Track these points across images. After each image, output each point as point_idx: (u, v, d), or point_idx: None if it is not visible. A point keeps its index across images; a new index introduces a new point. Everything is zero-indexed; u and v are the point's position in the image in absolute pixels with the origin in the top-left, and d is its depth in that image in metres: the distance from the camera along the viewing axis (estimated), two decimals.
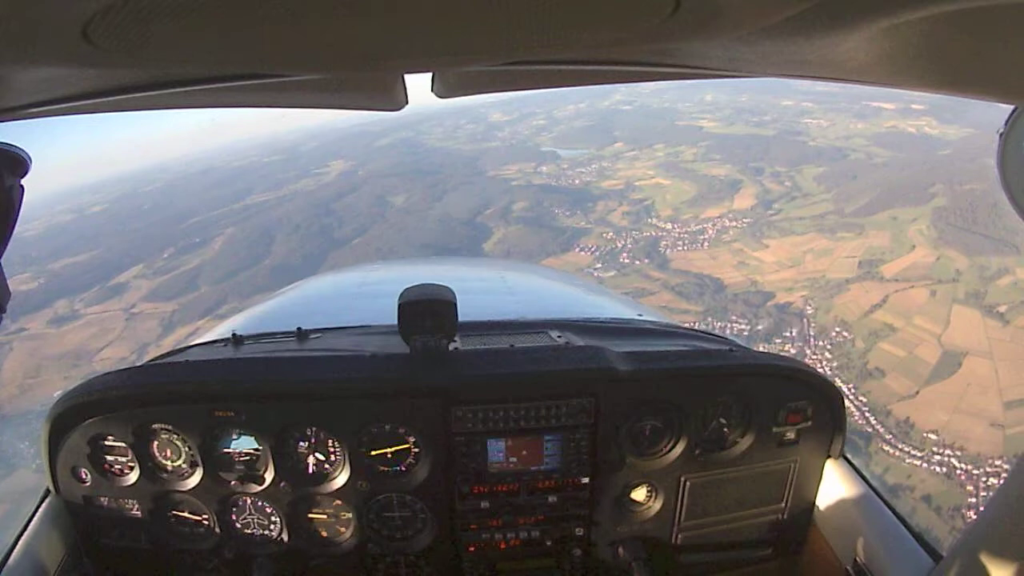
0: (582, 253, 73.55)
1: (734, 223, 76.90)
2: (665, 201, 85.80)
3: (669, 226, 78.15)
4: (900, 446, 39.25)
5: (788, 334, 52.66)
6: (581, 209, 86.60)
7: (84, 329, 64.75)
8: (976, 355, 45.53)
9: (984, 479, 36.05)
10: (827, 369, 45.54)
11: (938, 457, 38.07)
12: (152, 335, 63.32)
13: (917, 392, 43.57)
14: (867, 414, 41.93)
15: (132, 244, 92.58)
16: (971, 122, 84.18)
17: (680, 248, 72.73)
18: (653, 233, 76.89)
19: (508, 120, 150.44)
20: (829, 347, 50.06)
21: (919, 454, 38.53)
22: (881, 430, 40.62)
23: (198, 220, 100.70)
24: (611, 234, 77.97)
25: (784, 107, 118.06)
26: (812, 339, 51.50)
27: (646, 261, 69.95)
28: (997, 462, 36.53)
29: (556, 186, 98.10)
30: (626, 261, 70.76)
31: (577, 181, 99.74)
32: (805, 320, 54.18)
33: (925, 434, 39.51)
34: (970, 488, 35.70)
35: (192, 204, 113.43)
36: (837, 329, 51.63)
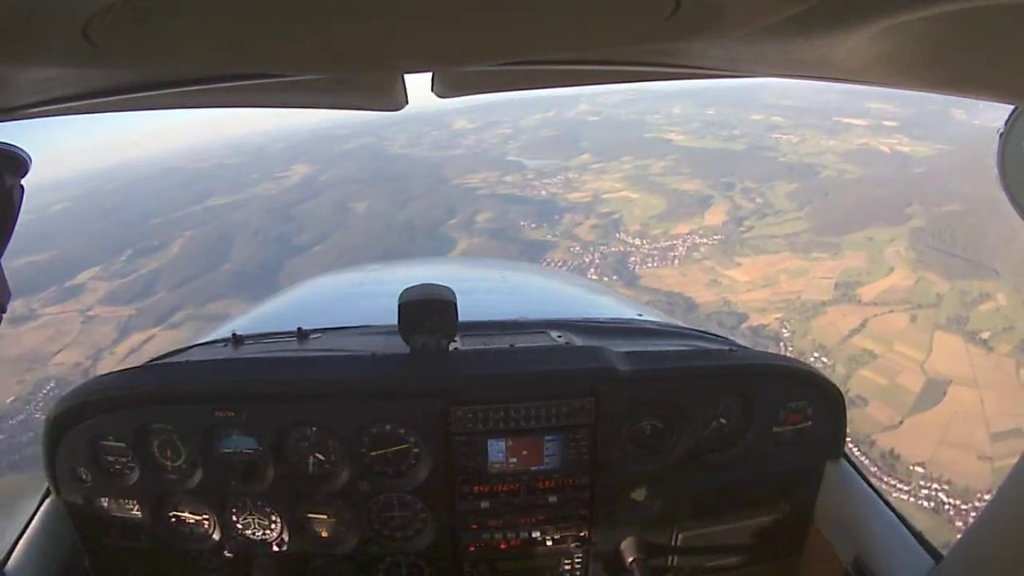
0: (548, 268, 70.45)
1: (705, 240, 75.75)
2: (633, 215, 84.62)
3: (638, 241, 76.83)
4: (886, 479, 38.07)
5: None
6: (547, 222, 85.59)
7: (40, 331, 63.69)
8: (960, 384, 44.58)
9: (973, 514, 34.10)
10: None
11: (925, 491, 37.05)
12: (107, 339, 62.74)
13: (901, 422, 42.58)
14: (850, 444, 38.74)
15: (91, 244, 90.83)
16: (945, 139, 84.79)
17: (650, 264, 71.56)
18: (622, 248, 75.68)
19: (473, 128, 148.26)
20: None
21: (906, 488, 37.45)
22: (867, 462, 39.43)
23: (158, 222, 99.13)
24: (578, 248, 76.68)
25: (753, 121, 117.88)
26: None
27: (615, 278, 68.18)
28: (986, 496, 34.43)
29: (522, 196, 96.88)
30: (594, 277, 68.38)
31: (543, 192, 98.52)
32: (782, 344, 52.88)
33: (911, 467, 38.57)
34: (959, 524, 34.35)
35: (153, 205, 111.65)
36: (816, 354, 50.47)
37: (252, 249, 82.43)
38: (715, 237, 75.98)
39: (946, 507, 35.82)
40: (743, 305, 60.09)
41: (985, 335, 48.23)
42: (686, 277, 67.68)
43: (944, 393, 44.05)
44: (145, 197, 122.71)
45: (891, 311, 54.46)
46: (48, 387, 48.82)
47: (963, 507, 35.03)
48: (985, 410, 41.66)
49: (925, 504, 36.17)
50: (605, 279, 65.81)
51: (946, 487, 36.63)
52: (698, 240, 75.52)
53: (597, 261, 72.67)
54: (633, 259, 72.39)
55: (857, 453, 39.00)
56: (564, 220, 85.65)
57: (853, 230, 69.62)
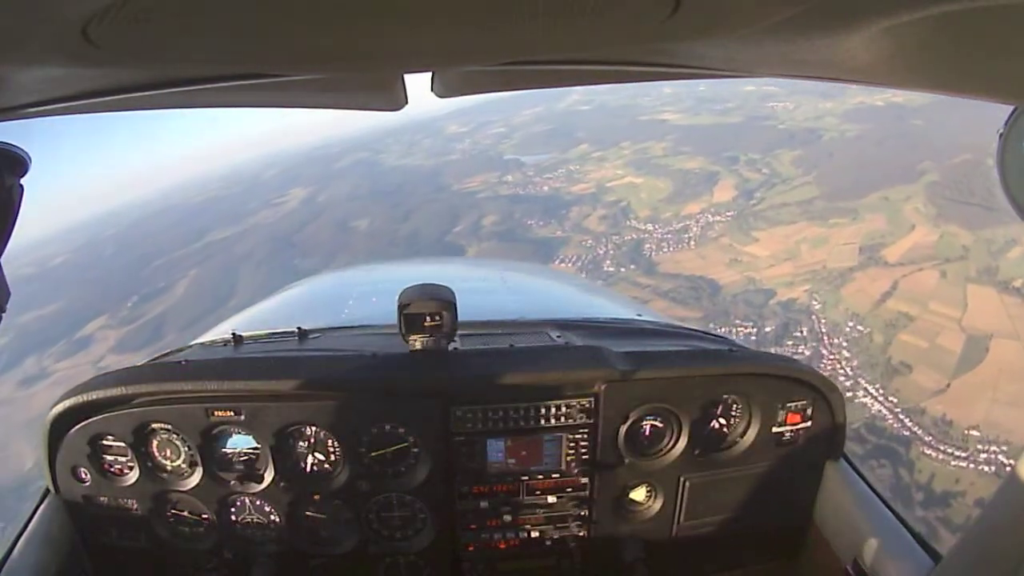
0: (564, 264, 69.76)
1: (718, 217, 73.98)
2: (641, 201, 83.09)
3: (650, 227, 75.09)
4: (942, 448, 36.90)
5: (799, 334, 49.81)
6: (555, 217, 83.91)
7: (53, 389, 60.05)
8: (1002, 338, 43.10)
9: None
10: (848, 368, 43.23)
11: (984, 455, 35.88)
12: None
13: (948, 385, 41.04)
14: (901, 416, 39.25)
15: (96, 293, 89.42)
16: None
17: (666, 250, 69.91)
18: (634, 236, 73.97)
19: (466, 131, 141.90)
20: (846, 344, 47.35)
21: (963, 454, 36.32)
22: (919, 432, 38.15)
23: (160, 263, 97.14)
24: (590, 241, 74.95)
25: (746, 93, 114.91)
26: (826, 337, 48.76)
27: (632, 267, 67.11)
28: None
29: (524, 195, 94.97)
30: (611, 269, 67.74)
31: (545, 188, 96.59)
32: (814, 317, 51.51)
33: (966, 431, 37.25)
34: None
35: (153, 247, 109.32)
36: (850, 323, 49.00)
37: (258, 281, 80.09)
38: (728, 213, 74.40)
39: (1008, 468, 33.67)
40: (768, 281, 58.48)
41: (1018, 283, 46.88)
42: (705, 259, 66.14)
43: (986, 349, 42.70)
44: (144, 240, 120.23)
45: (920, 269, 53.08)
46: None
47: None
48: None
49: (986, 469, 35.14)
50: (623, 270, 65.22)
51: (1004, 448, 35.61)
52: (711, 218, 73.86)
53: (611, 252, 71.00)
54: (648, 245, 70.75)
55: (910, 424, 38.29)
56: (571, 214, 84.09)
57: (867, 192, 68.13)
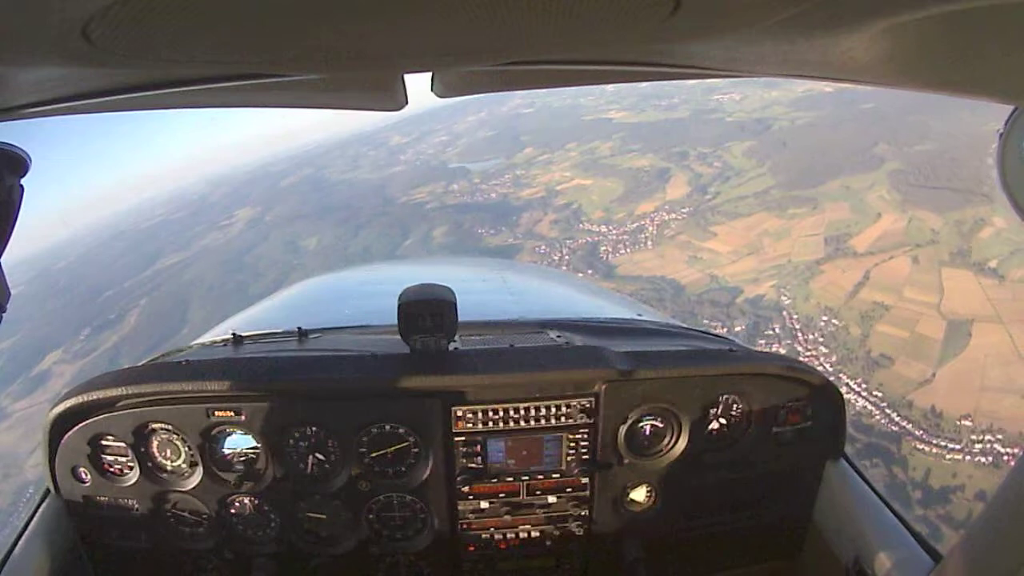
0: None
1: (673, 215, 72.99)
2: (593, 202, 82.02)
3: (604, 229, 74.12)
4: (935, 441, 36.13)
5: (771, 332, 48.84)
6: (506, 224, 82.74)
7: (12, 430, 59.91)
8: (983, 321, 42.39)
9: None
10: (827, 365, 42.50)
11: (979, 446, 35.15)
12: None
13: (933, 375, 40.24)
14: (888, 410, 38.26)
15: (51, 326, 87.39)
16: None
17: (623, 251, 68.96)
18: (589, 239, 72.98)
19: (409, 141, 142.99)
20: (822, 339, 46.48)
21: (957, 446, 35.57)
22: (909, 426, 37.32)
23: (111, 293, 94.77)
24: (544, 247, 73.69)
25: (690, 87, 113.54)
26: (799, 333, 47.80)
27: (590, 272, 65.46)
28: None
29: (473, 203, 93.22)
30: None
31: (493, 195, 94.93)
32: (785, 313, 50.47)
33: (958, 422, 36.49)
34: None
35: (105, 276, 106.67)
36: (824, 318, 48.11)
37: (209, 308, 78.02)
38: (683, 210, 73.44)
39: (1006, 458, 33.96)
40: (732, 278, 57.43)
41: (993, 263, 46.34)
42: (664, 258, 65.13)
43: (969, 335, 41.90)
44: (96, 269, 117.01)
45: (891, 257, 52.30)
46: (28, 493, 43.52)
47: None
48: (1017, 345, 39.72)
49: (983, 460, 34.44)
50: (580, 275, 63.21)
51: (999, 436, 34.82)
52: (666, 216, 72.86)
53: (567, 257, 69.70)
54: (604, 248, 69.69)
55: (897, 418, 37.44)
56: (522, 220, 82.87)
57: (825, 180, 67.51)
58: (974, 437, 35.41)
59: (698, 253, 64.30)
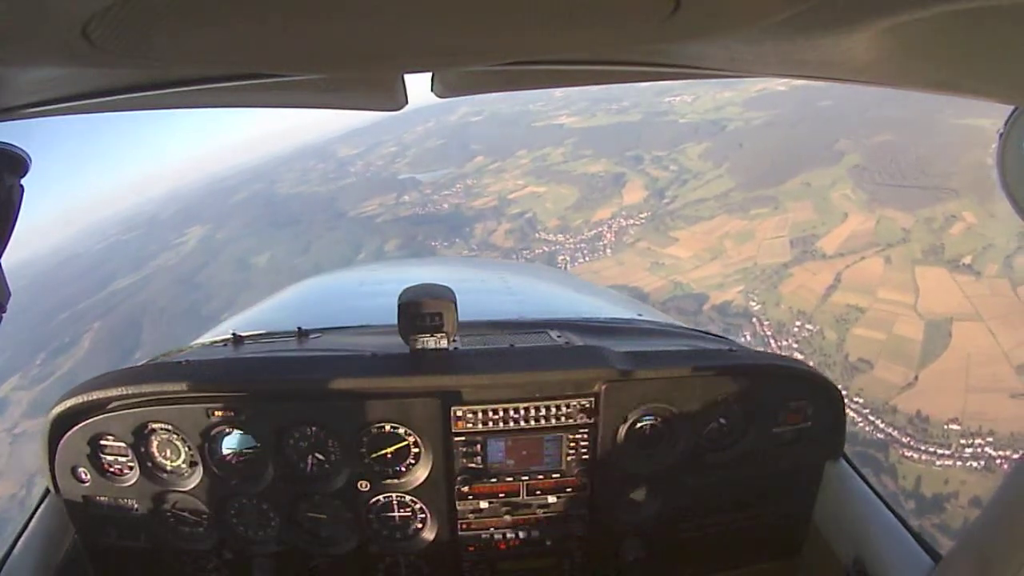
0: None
1: (631, 221, 72.01)
2: (547, 210, 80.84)
3: (561, 237, 72.92)
4: (923, 447, 35.19)
5: (743, 339, 46.14)
6: (459, 236, 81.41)
7: None
8: (963, 319, 41.47)
9: None
10: None
11: (970, 450, 34.30)
12: (37, 459, 55.20)
13: (916, 378, 39.34)
14: (872, 417, 37.41)
15: (6, 352, 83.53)
16: None
17: (581, 260, 67.59)
18: (546, 248, 71.82)
19: (357, 152, 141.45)
20: (796, 345, 45.20)
21: (947, 452, 34.67)
22: (895, 433, 36.46)
23: (65, 317, 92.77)
24: (499, 257, 71.43)
25: (640, 89, 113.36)
26: (772, 340, 46.60)
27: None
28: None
29: (425, 215, 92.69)
30: None
31: (445, 205, 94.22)
32: (755, 320, 49.40)
33: (945, 426, 35.56)
34: None
35: (59, 299, 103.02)
36: (798, 323, 47.06)
37: (162, 330, 77.25)
38: (641, 215, 72.50)
39: (998, 461, 33.10)
40: (697, 284, 56.35)
41: (967, 259, 45.65)
42: (624, 265, 64.00)
43: (949, 334, 40.94)
44: (50, 292, 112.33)
45: (862, 258, 51.49)
46: None
47: (1015, 456, 31.83)
48: (1000, 342, 38.74)
49: (974, 464, 33.60)
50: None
51: (990, 439, 33.95)
52: (624, 222, 71.86)
53: None
54: (562, 257, 68.28)
55: (883, 425, 36.62)
56: (476, 231, 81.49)
57: (786, 178, 66.61)
58: (964, 441, 34.63)
59: (660, 259, 63.35)
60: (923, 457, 34.67)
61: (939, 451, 34.72)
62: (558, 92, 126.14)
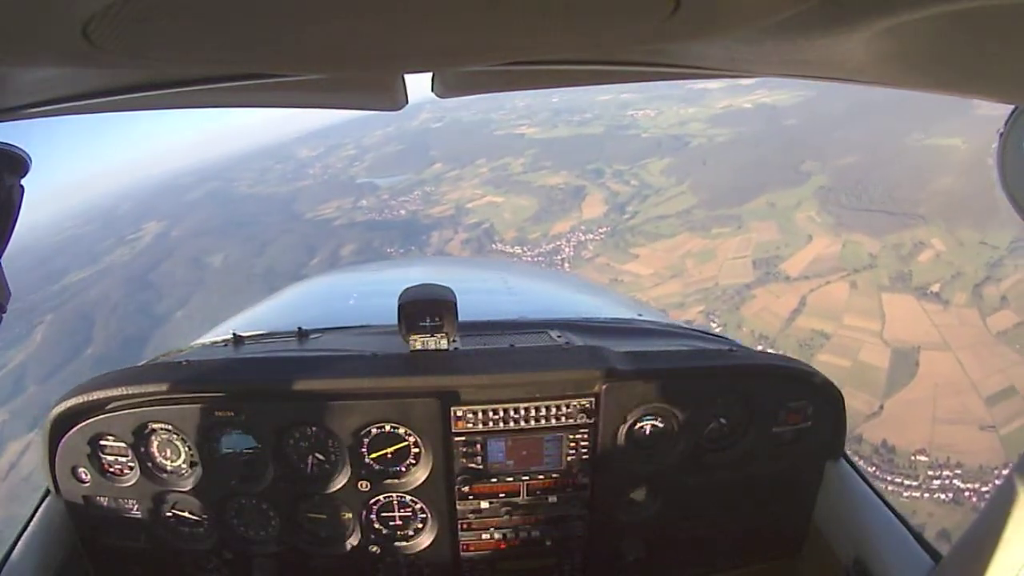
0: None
1: (591, 235, 70.95)
2: (505, 221, 79.66)
3: (518, 249, 71.49)
4: (889, 478, 34.47)
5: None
6: (415, 243, 79.40)
7: None
8: (930, 348, 40.91)
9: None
10: None
11: (937, 482, 33.90)
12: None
13: (881, 407, 38.58)
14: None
15: None
16: (802, 85, 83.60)
17: None
18: (503, 260, 68.89)
19: (316, 155, 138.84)
20: None
21: (914, 483, 34.25)
22: (860, 463, 33.32)
23: (18, 308, 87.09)
24: None
25: (603, 102, 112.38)
26: None
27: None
28: (1005, 471, 30.93)
29: (381, 220, 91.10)
30: None
31: (402, 211, 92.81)
32: None
33: (912, 457, 35.10)
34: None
35: (13, 290, 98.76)
36: (760, 346, 44.12)
37: (113, 327, 75.49)
38: (600, 230, 71.34)
39: (966, 494, 32.45)
40: (657, 303, 53.45)
41: (935, 288, 45.09)
42: None
43: (916, 363, 40.37)
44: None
45: (827, 282, 50.59)
46: None
47: (984, 489, 31.83)
48: (968, 373, 38.27)
49: (942, 497, 33.03)
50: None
51: (958, 472, 33.44)
52: (583, 236, 70.80)
53: None
54: None
55: (849, 455, 35.19)
56: (432, 239, 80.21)
57: (750, 197, 65.74)
58: (931, 473, 34.13)
59: (619, 276, 62.12)
60: (889, 488, 33.79)
61: (906, 482, 34.20)
62: (520, 100, 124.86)
